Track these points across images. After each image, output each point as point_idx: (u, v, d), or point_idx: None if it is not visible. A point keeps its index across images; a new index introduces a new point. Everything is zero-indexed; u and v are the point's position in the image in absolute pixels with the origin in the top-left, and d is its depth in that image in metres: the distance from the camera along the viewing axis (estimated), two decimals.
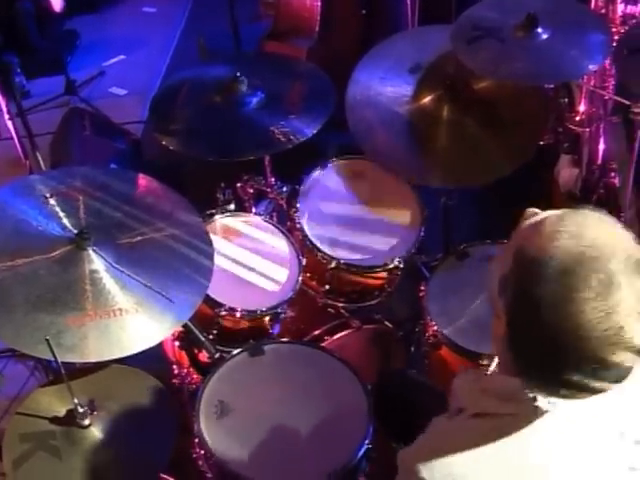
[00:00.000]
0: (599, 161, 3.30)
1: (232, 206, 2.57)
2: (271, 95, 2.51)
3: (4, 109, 2.88)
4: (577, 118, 3.20)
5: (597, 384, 1.22)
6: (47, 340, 1.82)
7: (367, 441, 2.14)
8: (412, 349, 2.74)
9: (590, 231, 1.21)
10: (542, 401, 1.27)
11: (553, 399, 1.27)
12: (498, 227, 3.36)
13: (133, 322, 2.00)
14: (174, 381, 2.58)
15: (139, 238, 2.15)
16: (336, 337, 2.67)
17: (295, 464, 2.12)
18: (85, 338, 1.95)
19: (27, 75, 4.61)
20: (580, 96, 3.18)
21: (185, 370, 2.47)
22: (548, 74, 2.47)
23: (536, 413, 1.28)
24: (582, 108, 3.19)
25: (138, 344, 1.99)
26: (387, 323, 2.75)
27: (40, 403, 2.07)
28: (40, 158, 3.05)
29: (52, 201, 2.13)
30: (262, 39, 3.78)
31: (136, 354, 2.35)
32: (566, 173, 3.49)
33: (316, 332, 2.67)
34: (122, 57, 4.86)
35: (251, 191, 2.72)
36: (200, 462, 2.24)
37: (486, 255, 2.59)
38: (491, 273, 1.34)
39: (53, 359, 1.86)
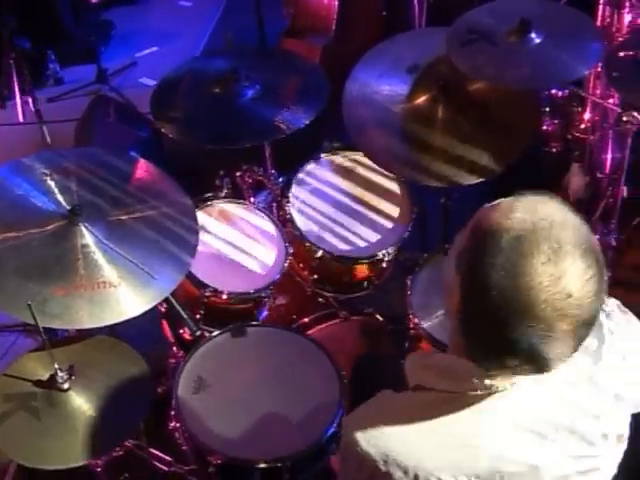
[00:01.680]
0: (607, 170, 3.33)
1: (224, 192, 2.66)
2: (267, 88, 2.61)
3: (18, 95, 3.00)
4: (582, 126, 3.24)
5: (543, 353, 1.24)
6: (29, 305, 1.93)
7: (335, 424, 2.22)
8: (406, 344, 2.79)
9: (544, 208, 1.27)
10: (484, 383, 1.32)
11: (498, 379, 1.32)
12: None
13: (115, 295, 2.11)
14: (171, 360, 2.70)
15: (129, 216, 2.26)
16: (323, 326, 2.76)
17: (265, 442, 2.21)
18: (69, 307, 2.07)
19: (61, 62, 4.74)
20: (586, 103, 3.22)
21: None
22: (540, 78, 2.51)
23: (476, 395, 1.33)
24: (587, 116, 3.22)
25: (119, 315, 2.10)
26: (378, 316, 2.83)
27: (26, 367, 2.18)
28: (49, 139, 3.13)
29: (49, 178, 2.26)
30: (281, 36, 3.88)
31: (136, 334, 2.49)
32: (576, 181, 3.51)
33: (304, 320, 2.77)
34: (155, 49, 4.97)
35: (250, 181, 2.81)
36: (176, 434, 2.34)
37: None
38: (449, 257, 1.40)
39: (34, 323, 1.98)
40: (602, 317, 1.43)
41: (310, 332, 2.71)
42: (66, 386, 2.11)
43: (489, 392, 1.34)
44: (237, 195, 2.81)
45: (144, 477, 2.65)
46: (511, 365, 1.28)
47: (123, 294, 2.12)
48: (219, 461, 2.17)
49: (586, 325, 1.25)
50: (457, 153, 2.56)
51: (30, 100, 3.13)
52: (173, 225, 2.30)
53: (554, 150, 3.47)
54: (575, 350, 1.28)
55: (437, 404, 1.36)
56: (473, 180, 2.57)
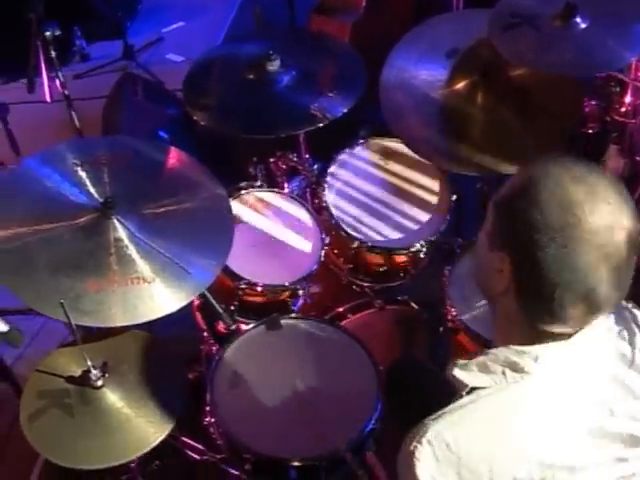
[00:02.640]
0: None
1: (258, 182, 2.60)
2: (303, 73, 2.54)
3: (45, 79, 2.95)
4: (622, 109, 3.13)
5: (597, 278, 1.24)
6: (62, 304, 1.89)
7: (373, 420, 2.17)
8: (441, 330, 2.74)
9: (578, 168, 1.30)
10: (523, 362, 1.31)
11: (540, 349, 1.31)
12: None
13: (150, 291, 2.06)
14: (202, 347, 2.66)
15: (163, 209, 2.21)
16: (358, 315, 2.70)
17: (301, 439, 2.16)
18: (102, 303, 2.03)
19: (87, 39, 4.70)
20: (627, 87, 3.11)
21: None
22: (584, 65, 2.41)
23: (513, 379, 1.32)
24: (628, 99, 3.12)
25: (153, 312, 2.06)
26: (413, 304, 2.78)
27: (58, 362, 2.16)
28: (76, 121, 3.08)
29: (80, 169, 2.21)
30: (311, 13, 3.79)
31: (170, 319, 2.44)
32: (613, 163, 3.42)
33: (339, 309, 2.72)
34: (181, 24, 4.90)
35: (284, 167, 2.75)
36: (211, 429, 2.31)
37: None
38: (480, 243, 1.39)
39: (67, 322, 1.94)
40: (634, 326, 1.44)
41: (345, 321, 2.66)
42: (100, 383, 2.09)
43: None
44: (271, 181, 2.75)
45: (175, 465, 2.63)
46: (569, 305, 1.27)
47: (157, 290, 2.07)
48: (254, 459, 2.14)
49: (633, 244, 1.26)
50: (497, 140, 2.49)
51: (58, 83, 3.04)
52: (207, 217, 2.26)
53: (591, 131, 3.38)
54: (620, 296, 1.30)
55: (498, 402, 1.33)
56: (513, 170, 2.50)
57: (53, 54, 2.96)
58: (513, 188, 1.32)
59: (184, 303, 2.11)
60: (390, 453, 1.42)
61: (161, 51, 4.73)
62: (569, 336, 1.33)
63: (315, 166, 2.76)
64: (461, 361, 1.38)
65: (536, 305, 1.29)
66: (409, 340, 2.78)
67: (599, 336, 1.37)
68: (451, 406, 1.34)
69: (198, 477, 2.69)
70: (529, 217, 1.25)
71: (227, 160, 2.98)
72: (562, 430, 1.33)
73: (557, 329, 1.31)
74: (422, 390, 2.22)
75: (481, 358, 1.36)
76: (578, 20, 2.39)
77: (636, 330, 1.45)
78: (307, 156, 2.79)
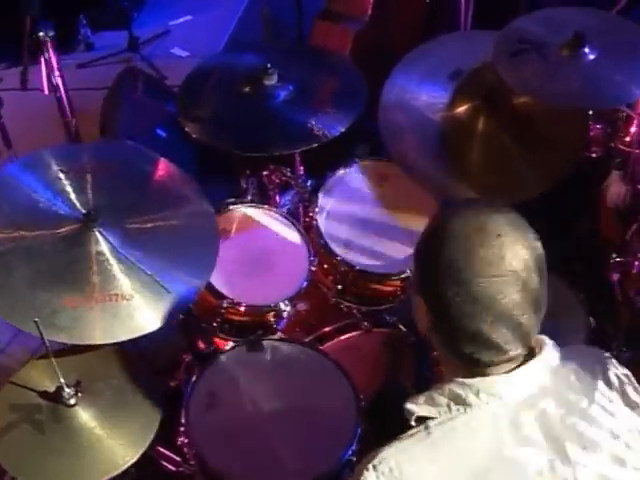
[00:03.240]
0: None
1: (249, 197, 2.54)
2: (301, 89, 2.46)
3: (44, 72, 2.89)
4: (627, 139, 3.06)
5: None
6: (36, 322, 1.84)
7: (350, 451, 2.12)
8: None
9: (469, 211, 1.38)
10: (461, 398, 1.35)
11: (481, 382, 1.35)
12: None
13: (128, 309, 2.02)
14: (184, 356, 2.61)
15: (147, 224, 2.17)
16: (344, 337, 2.65)
17: (276, 469, 2.12)
18: (79, 320, 1.98)
19: (93, 27, 4.65)
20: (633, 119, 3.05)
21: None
22: (590, 98, 2.35)
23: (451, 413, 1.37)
24: (633, 129, 3.05)
25: (131, 331, 2.01)
26: (401, 327, 2.72)
27: (32, 376, 2.10)
28: (69, 115, 3.02)
29: (64, 178, 2.16)
30: (315, 18, 3.71)
31: None
32: (615, 189, 3.37)
33: (325, 329, 2.66)
34: (189, 18, 4.84)
35: (277, 181, 2.68)
36: (185, 449, 2.26)
37: None
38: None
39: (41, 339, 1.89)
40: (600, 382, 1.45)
41: (330, 342, 2.60)
42: (72, 402, 2.03)
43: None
44: (263, 194, 2.70)
45: (151, 474, 2.58)
46: (491, 342, 1.33)
47: (136, 308, 2.03)
48: None
49: (530, 277, 1.33)
50: (496, 170, 2.44)
51: (57, 75, 2.98)
52: (192, 234, 2.21)
53: (594, 155, 3.32)
54: (538, 320, 1.38)
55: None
56: (510, 200, 2.43)
57: (50, 54, 2.89)
58: (421, 239, 1.43)
59: (163, 323, 2.05)
60: None
61: (166, 45, 4.67)
62: (509, 371, 1.37)
63: (309, 182, 2.69)
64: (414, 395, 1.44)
65: (454, 338, 1.36)
66: (395, 364, 2.73)
67: (541, 377, 1.39)
68: (402, 435, 1.38)
69: None
70: (433, 264, 1.35)
71: (226, 162, 2.93)
72: (505, 464, 1.33)
73: (487, 357, 1.36)
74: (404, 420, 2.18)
75: (430, 391, 1.41)
76: (586, 51, 2.33)
77: (599, 384, 1.44)
78: (301, 172, 2.72)
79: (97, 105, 3.83)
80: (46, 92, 3.18)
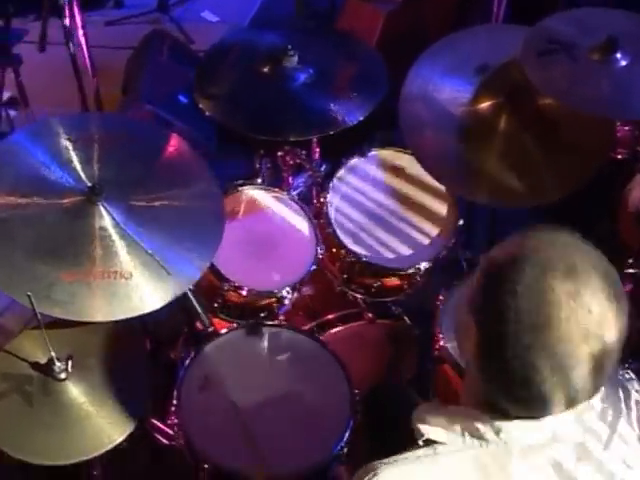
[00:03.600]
0: None
1: (259, 180, 2.49)
2: (321, 72, 2.40)
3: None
4: None
5: (568, 379, 1.19)
6: (29, 296, 1.82)
7: (342, 443, 2.11)
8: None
9: (556, 237, 1.25)
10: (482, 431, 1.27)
11: (504, 423, 1.26)
12: None
13: (126, 288, 1.97)
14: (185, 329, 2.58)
15: (153, 201, 2.11)
16: (348, 326, 2.62)
17: (264, 457, 2.09)
18: (75, 295, 1.94)
19: None
20: None
21: None
22: (619, 107, 2.24)
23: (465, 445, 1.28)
24: None
25: (127, 310, 1.97)
26: (406, 318, 2.69)
27: (25, 346, 2.08)
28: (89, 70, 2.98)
29: (71, 148, 2.12)
30: None
31: None
32: (637, 193, 3.29)
33: (329, 316, 2.63)
34: None
35: (291, 162, 2.63)
36: (175, 429, 2.25)
37: None
38: (459, 303, 1.35)
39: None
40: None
41: (333, 330, 2.58)
42: (62, 376, 2.02)
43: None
44: (276, 174, 2.65)
45: (143, 447, 2.58)
46: (534, 396, 1.21)
47: (135, 288, 1.98)
48: (211, 469, 2.08)
49: (609, 353, 1.19)
50: (515, 171, 2.36)
51: (82, 38, 2.93)
52: (198, 215, 2.16)
53: (619, 156, 3.24)
54: (597, 388, 1.24)
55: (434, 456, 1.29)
56: (527, 204, 2.38)
57: (75, 10, 2.85)
58: (496, 262, 1.25)
59: (162, 304, 2.02)
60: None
61: (197, 8, 4.60)
62: (538, 417, 1.26)
63: (323, 167, 2.64)
64: (423, 409, 1.37)
65: (501, 381, 1.23)
66: (398, 356, 2.70)
67: (571, 428, 1.30)
68: (407, 454, 1.30)
69: (166, 462, 2.64)
70: (502, 303, 1.19)
71: (244, 136, 2.87)
72: None
73: (524, 412, 1.26)
74: (396, 418, 2.15)
75: (443, 412, 1.34)
76: (618, 56, 2.24)
77: (623, 410, 1.37)
78: (317, 155, 2.67)
79: (121, 64, 3.80)
80: (70, 50, 3.15)
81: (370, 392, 2.28)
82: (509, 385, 1.22)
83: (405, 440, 1.35)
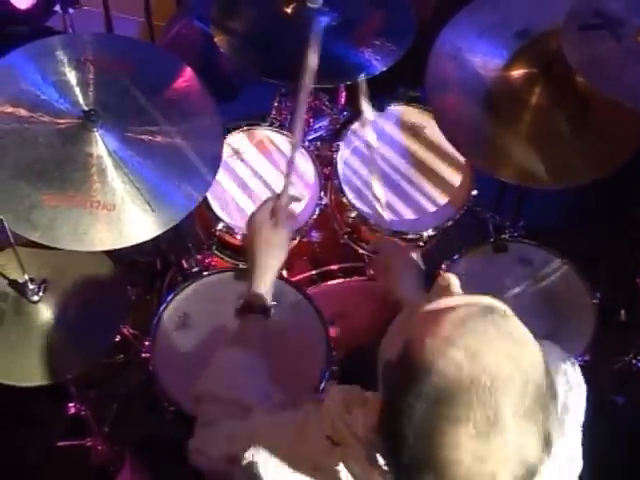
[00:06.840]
0: None
1: (278, 116, 2.40)
2: (347, 18, 2.26)
3: None
4: None
5: None
6: (1, 220, 1.80)
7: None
8: None
9: (491, 348, 1.04)
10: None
11: None
12: (585, 213, 3.07)
13: (107, 220, 1.95)
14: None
15: (150, 136, 2.06)
16: (348, 279, 2.55)
17: None
18: (54, 220, 1.92)
19: None
20: None
21: None
22: None
23: None
24: None
25: (104, 243, 1.95)
26: None
27: (6, 263, 2.09)
28: None
29: (68, 70, 2.06)
30: None
31: None
32: None
33: (332, 267, 2.57)
34: None
35: (313, 104, 2.52)
36: (148, 363, 2.24)
37: (525, 258, 2.38)
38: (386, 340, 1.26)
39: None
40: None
41: (334, 281, 2.52)
42: (35, 298, 2.03)
43: None
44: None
45: (139, 361, 2.61)
46: None
47: (116, 221, 1.95)
48: (175, 411, 2.08)
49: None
50: (541, 148, 2.22)
51: None
52: (194, 155, 2.08)
53: None
54: None
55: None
56: (551, 185, 2.24)
57: None
58: (414, 358, 1.06)
59: (141, 240, 1.99)
60: None
61: None
62: None
63: (344, 114, 2.52)
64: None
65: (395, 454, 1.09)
66: (393, 318, 2.63)
67: None
68: None
69: None
70: (399, 425, 1.05)
71: None
72: None
73: None
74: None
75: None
76: None
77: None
78: (343, 100, 2.54)
79: None
80: None
81: (350, 353, 2.25)
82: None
83: None
